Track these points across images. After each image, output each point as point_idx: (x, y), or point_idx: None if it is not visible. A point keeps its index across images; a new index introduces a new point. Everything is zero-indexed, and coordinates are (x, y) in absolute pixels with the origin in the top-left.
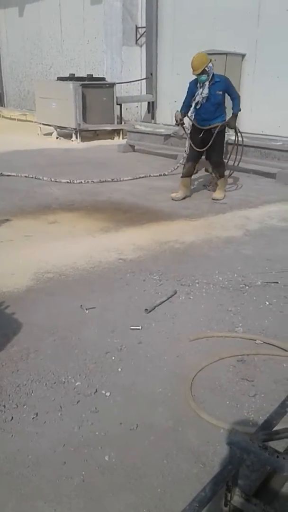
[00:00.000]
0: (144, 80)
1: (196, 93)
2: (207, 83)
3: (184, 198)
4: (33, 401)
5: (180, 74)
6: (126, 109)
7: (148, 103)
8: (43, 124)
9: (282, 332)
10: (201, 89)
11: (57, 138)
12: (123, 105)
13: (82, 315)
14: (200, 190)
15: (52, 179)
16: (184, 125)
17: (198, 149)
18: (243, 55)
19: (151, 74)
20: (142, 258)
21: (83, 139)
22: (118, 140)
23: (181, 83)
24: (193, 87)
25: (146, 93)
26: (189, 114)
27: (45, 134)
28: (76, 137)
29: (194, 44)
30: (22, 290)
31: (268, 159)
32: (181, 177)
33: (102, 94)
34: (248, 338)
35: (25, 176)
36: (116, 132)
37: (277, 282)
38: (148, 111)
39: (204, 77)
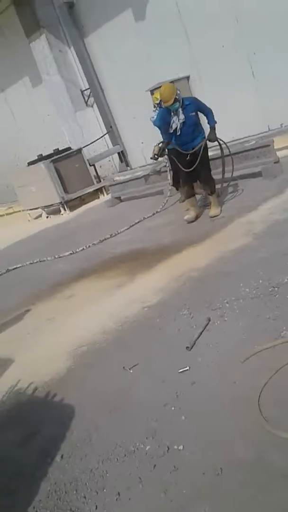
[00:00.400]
0: (107, 135)
1: (172, 121)
2: (180, 109)
3: (197, 217)
4: (111, 482)
5: (136, 116)
6: (100, 166)
7: (118, 153)
8: (31, 209)
9: None
10: (176, 117)
11: (47, 217)
12: (96, 164)
13: (128, 376)
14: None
15: (56, 256)
16: (164, 156)
17: (187, 170)
18: (187, 77)
19: (111, 127)
20: (166, 298)
21: (71, 208)
22: (104, 197)
23: (140, 124)
24: (166, 116)
25: (113, 146)
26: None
27: (35, 218)
28: (64, 209)
29: (139, 84)
30: (63, 372)
31: (248, 160)
32: (185, 200)
33: (74, 162)
34: None
35: (30, 263)
36: (99, 191)
37: None
38: (121, 161)
39: (176, 105)
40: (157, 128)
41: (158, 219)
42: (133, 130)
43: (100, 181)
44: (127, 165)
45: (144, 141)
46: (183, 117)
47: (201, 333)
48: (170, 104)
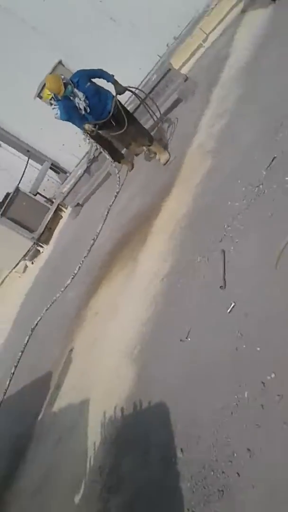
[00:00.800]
0: (30, 160)
1: (76, 104)
2: (75, 89)
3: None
4: (235, 444)
5: (43, 126)
6: (44, 190)
7: (51, 168)
8: (14, 268)
9: None
10: (76, 98)
11: (32, 263)
12: (39, 189)
13: (188, 344)
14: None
15: (61, 290)
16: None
17: (120, 132)
18: (60, 61)
19: (28, 150)
20: (173, 258)
21: (46, 242)
22: (67, 212)
23: (50, 130)
24: (68, 104)
25: (42, 165)
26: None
27: (23, 272)
28: (41, 246)
29: (24, 97)
30: (135, 379)
31: (162, 94)
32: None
33: (20, 203)
34: None
35: (46, 310)
36: (58, 211)
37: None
38: (57, 173)
39: (69, 88)
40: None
41: (123, 198)
42: (48, 139)
43: (53, 202)
44: (65, 172)
45: (64, 142)
46: (82, 93)
47: (224, 267)
48: (63, 92)
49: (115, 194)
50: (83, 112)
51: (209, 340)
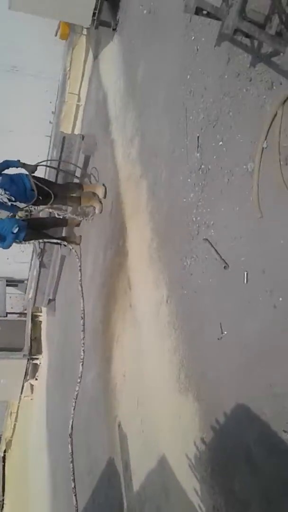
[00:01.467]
0: None
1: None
2: None
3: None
4: None
5: None
6: (12, 307)
7: (8, 285)
8: (23, 395)
9: None
10: None
11: (36, 379)
12: (7, 309)
13: (225, 340)
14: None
15: (79, 378)
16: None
17: (51, 201)
18: None
19: None
20: (166, 268)
21: (38, 351)
22: (43, 314)
23: None
24: None
25: None
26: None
27: (32, 392)
28: (35, 358)
29: None
30: (191, 403)
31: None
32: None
33: None
34: None
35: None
36: (34, 317)
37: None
38: (16, 285)
39: None
40: None
41: (88, 264)
42: None
43: (25, 313)
44: (22, 281)
45: (7, 256)
46: (0, 189)
47: (216, 251)
48: None
49: (79, 268)
50: (9, 203)
51: (245, 320)
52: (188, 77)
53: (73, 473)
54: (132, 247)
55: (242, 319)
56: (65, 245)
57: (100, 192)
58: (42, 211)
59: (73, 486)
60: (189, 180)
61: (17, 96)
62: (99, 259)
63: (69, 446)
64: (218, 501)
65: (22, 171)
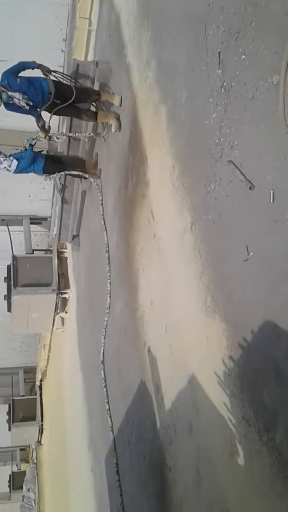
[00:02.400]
0: (9, 227)
1: (18, 103)
2: (9, 92)
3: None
4: None
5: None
6: (37, 244)
7: (31, 223)
8: (54, 327)
9: None
10: (15, 99)
11: (66, 312)
12: (33, 243)
13: (251, 262)
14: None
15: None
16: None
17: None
18: None
19: (3, 219)
20: (192, 206)
21: (66, 287)
22: (68, 250)
23: (12, 191)
24: (13, 108)
25: (23, 226)
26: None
27: (63, 324)
28: (64, 292)
29: None
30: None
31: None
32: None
33: (22, 269)
34: None
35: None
36: (59, 253)
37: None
38: (40, 223)
39: (3, 96)
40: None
41: (109, 196)
42: (13, 200)
43: (51, 250)
44: (45, 219)
45: (28, 193)
46: (17, 93)
47: (241, 172)
48: (1, 101)
49: (101, 202)
50: (27, 107)
51: (271, 240)
52: None
53: (107, 397)
54: (154, 176)
55: (269, 239)
56: (85, 178)
57: (116, 101)
58: (62, 140)
59: (107, 408)
60: (210, 99)
61: (25, 25)
62: (120, 192)
63: (102, 372)
64: (247, 413)
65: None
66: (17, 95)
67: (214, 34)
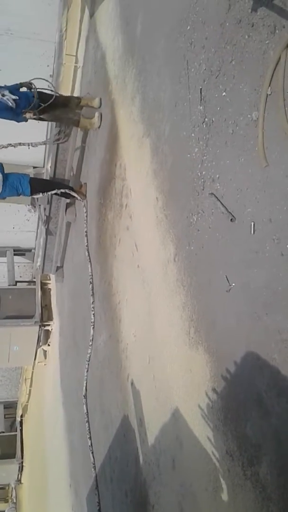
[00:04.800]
0: None
1: (6, 101)
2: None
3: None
4: None
5: None
6: (20, 276)
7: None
8: (36, 360)
9: None
10: (5, 96)
11: (48, 345)
12: (16, 276)
13: (232, 292)
14: None
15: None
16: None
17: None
18: None
19: None
20: (175, 238)
21: (49, 319)
22: (52, 281)
23: None
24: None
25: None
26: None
27: (45, 356)
28: (46, 324)
29: None
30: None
31: None
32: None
33: (5, 301)
34: None
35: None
36: (43, 285)
37: None
38: (23, 254)
39: None
40: None
41: (93, 226)
42: None
43: (35, 281)
44: (29, 250)
45: (12, 225)
46: (7, 90)
47: (223, 204)
48: None
49: (85, 233)
50: (14, 106)
51: (253, 271)
52: (188, 28)
53: (89, 432)
54: (137, 208)
55: (250, 270)
56: (73, 196)
57: (95, 103)
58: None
59: (89, 444)
60: (192, 134)
61: (13, 61)
62: (104, 223)
63: (84, 407)
64: (231, 447)
65: None
66: (6, 91)
67: (196, 72)
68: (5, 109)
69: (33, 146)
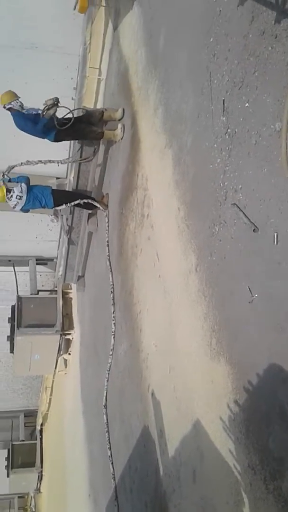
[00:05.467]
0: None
1: (31, 111)
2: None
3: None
4: None
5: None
6: (42, 285)
7: (37, 263)
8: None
9: None
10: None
11: (69, 354)
12: (38, 285)
13: (255, 300)
14: None
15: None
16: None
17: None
18: None
19: (9, 260)
20: (198, 248)
21: (69, 326)
22: (73, 290)
23: (19, 232)
24: (24, 116)
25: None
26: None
27: (66, 366)
28: (68, 332)
29: None
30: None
31: None
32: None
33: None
34: None
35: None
36: (64, 294)
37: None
38: (45, 264)
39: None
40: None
41: (115, 236)
42: (20, 240)
43: (56, 290)
44: (51, 259)
45: (35, 234)
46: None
47: (245, 215)
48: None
49: (107, 243)
50: (41, 113)
51: (276, 282)
52: (211, 40)
53: (109, 442)
54: (159, 218)
55: (273, 281)
56: (95, 206)
57: (117, 115)
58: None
59: (109, 454)
60: (215, 145)
61: (38, 74)
62: (126, 233)
63: (104, 417)
64: (253, 460)
65: None
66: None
67: (218, 83)
68: (27, 119)
69: (62, 163)
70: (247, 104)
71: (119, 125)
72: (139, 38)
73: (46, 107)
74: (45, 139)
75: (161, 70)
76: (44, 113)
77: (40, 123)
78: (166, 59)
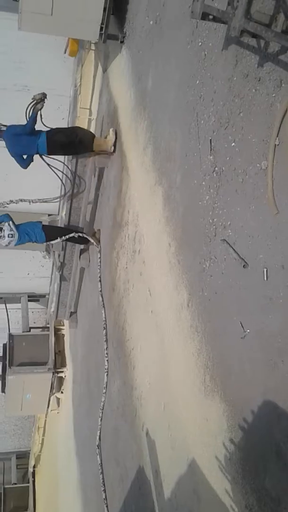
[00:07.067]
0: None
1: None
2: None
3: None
4: None
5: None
6: (34, 322)
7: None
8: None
9: None
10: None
11: (61, 392)
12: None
13: (247, 338)
14: None
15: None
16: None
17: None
18: None
19: (1, 297)
20: (189, 283)
21: (62, 364)
22: (65, 327)
23: (10, 269)
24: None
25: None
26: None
27: (59, 405)
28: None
29: None
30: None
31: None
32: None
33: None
34: None
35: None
36: (56, 330)
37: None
38: (38, 300)
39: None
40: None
41: (106, 272)
42: (12, 277)
43: (48, 327)
44: (43, 296)
45: (27, 271)
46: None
47: (235, 251)
48: None
49: (99, 279)
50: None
51: (267, 317)
52: (197, 82)
53: (103, 484)
54: (150, 254)
55: (264, 316)
56: (87, 240)
57: (109, 145)
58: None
59: (104, 497)
60: (203, 183)
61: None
62: (118, 269)
63: (98, 457)
64: (250, 501)
65: None
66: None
67: (205, 123)
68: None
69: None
70: (233, 144)
71: (111, 130)
72: (128, 79)
73: (34, 102)
74: (38, 154)
75: (150, 110)
76: (32, 108)
77: (27, 123)
78: (154, 100)
